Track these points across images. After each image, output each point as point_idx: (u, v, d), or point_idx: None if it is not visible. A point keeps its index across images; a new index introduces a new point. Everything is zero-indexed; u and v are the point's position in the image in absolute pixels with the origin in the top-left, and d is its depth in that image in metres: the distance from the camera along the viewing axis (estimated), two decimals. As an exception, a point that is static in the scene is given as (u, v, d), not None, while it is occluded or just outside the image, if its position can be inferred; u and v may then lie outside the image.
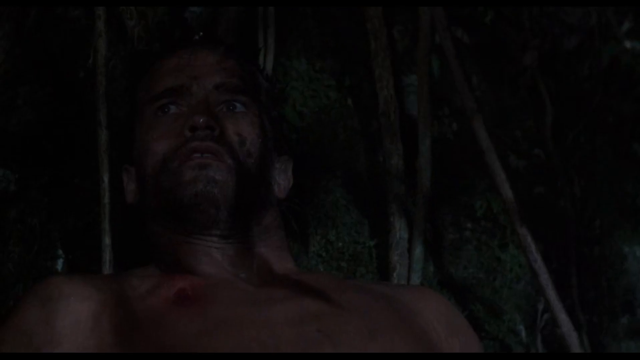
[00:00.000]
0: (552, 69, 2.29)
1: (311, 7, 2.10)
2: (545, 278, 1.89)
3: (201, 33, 1.66)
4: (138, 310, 1.30)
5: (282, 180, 1.53)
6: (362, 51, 2.08)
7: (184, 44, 1.57)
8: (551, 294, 1.88)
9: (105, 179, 1.71)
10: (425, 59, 2.09)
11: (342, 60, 2.08)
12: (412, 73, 2.12)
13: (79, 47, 1.89)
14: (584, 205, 2.23)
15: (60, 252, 1.74)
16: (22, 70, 1.84)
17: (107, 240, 1.69)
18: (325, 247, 1.91)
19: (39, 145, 1.80)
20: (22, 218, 1.74)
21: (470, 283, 2.02)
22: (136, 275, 1.41)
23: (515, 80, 2.26)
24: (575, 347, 1.87)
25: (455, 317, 1.49)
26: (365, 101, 2.07)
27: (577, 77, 2.32)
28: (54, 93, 1.85)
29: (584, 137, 2.28)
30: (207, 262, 1.41)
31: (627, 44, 2.31)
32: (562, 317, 1.88)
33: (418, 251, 1.93)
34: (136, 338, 1.26)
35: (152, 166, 1.43)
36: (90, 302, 1.31)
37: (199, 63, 1.51)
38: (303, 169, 1.76)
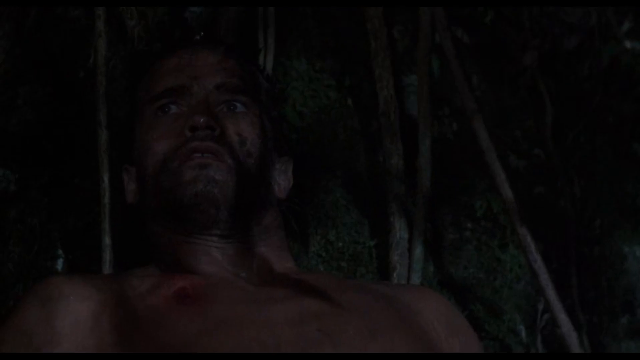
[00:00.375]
0: (552, 69, 2.29)
1: (311, 7, 2.10)
2: (545, 278, 1.89)
3: (202, 33, 1.66)
4: (138, 310, 1.30)
5: (282, 180, 1.53)
6: (362, 51, 2.08)
7: (184, 44, 1.57)
8: (551, 294, 1.88)
9: (105, 179, 1.71)
10: (425, 59, 2.09)
11: (342, 60, 2.08)
12: (412, 73, 2.12)
13: (79, 47, 1.89)
14: (584, 205, 2.23)
15: (60, 252, 1.74)
16: (22, 70, 1.84)
17: (107, 240, 1.69)
18: (325, 247, 1.91)
19: (39, 145, 1.80)
20: (22, 218, 1.74)
21: (470, 283, 2.02)
22: (136, 275, 1.41)
23: (515, 80, 2.26)
24: (575, 347, 1.87)
25: (455, 317, 1.49)
26: (365, 101, 2.07)
27: (577, 77, 2.32)
28: (54, 93, 1.85)
29: (584, 137, 2.28)
30: (207, 261, 1.41)
31: (627, 44, 2.31)
32: (562, 317, 1.88)
33: (418, 251, 1.93)
34: (136, 337, 1.26)
35: (152, 166, 1.43)
36: (90, 302, 1.31)
37: (199, 63, 1.51)
38: (303, 169, 1.76)
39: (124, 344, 1.26)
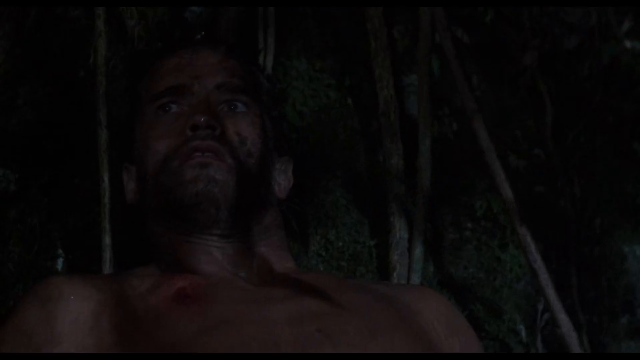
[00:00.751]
0: (552, 69, 2.29)
1: (311, 7, 2.10)
2: (545, 278, 1.89)
3: (202, 32, 1.66)
4: (138, 310, 1.30)
5: (282, 180, 1.53)
6: (362, 51, 2.08)
7: (185, 44, 1.57)
8: (551, 293, 1.88)
9: (105, 178, 1.71)
10: (425, 59, 2.09)
11: (342, 60, 2.09)
12: (412, 73, 2.12)
13: (79, 47, 1.89)
14: (584, 205, 2.23)
15: (60, 251, 1.74)
16: (22, 70, 1.84)
17: (107, 239, 1.69)
18: (325, 246, 1.91)
19: (39, 145, 1.80)
20: (22, 218, 1.74)
21: (470, 283, 2.02)
22: (136, 274, 1.41)
23: (515, 80, 2.26)
24: (575, 347, 1.87)
25: (455, 317, 1.49)
26: (365, 101, 2.07)
27: (577, 77, 2.32)
28: (54, 93, 1.85)
29: (584, 137, 2.28)
30: (207, 261, 1.41)
31: (627, 44, 2.31)
32: (562, 317, 1.88)
33: (418, 251, 1.93)
34: (136, 337, 1.26)
35: (152, 165, 1.43)
36: (90, 301, 1.31)
37: (200, 63, 1.51)
38: (303, 169, 1.76)
39: (124, 344, 1.26)
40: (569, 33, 2.30)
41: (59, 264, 1.73)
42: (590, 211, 2.23)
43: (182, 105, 1.46)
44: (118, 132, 1.73)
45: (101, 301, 1.31)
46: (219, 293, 1.34)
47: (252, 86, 1.53)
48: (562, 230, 2.18)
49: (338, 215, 1.95)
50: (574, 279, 2.15)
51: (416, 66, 2.10)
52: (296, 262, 1.54)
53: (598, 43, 2.29)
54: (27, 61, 1.85)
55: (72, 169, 1.80)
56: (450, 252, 2.04)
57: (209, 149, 1.39)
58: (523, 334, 2.03)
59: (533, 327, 2.05)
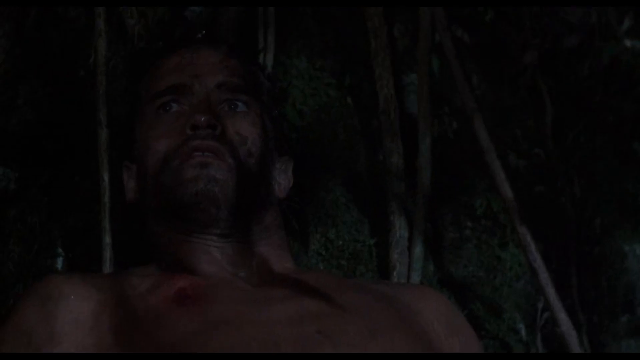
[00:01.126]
0: (553, 68, 2.29)
1: (311, 6, 2.10)
2: (544, 277, 1.89)
3: (203, 32, 1.66)
4: (138, 310, 1.30)
5: (282, 179, 1.52)
6: (362, 50, 2.08)
7: (185, 43, 1.56)
8: (551, 292, 1.89)
9: (105, 177, 1.71)
10: (426, 58, 2.09)
11: (342, 59, 2.09)
12: (412, 72, 2.12)
13: (79, 47, 1.89)
14: (584, 204, 2.23)
15: (60, 250, 1.74)
16: (22, 70, 1.84)
17: (107, 239, 1.69)
18: (325, 245, 1.91)
19: (39, 145, 1.80)
20: (22, 217, 1.74)
21: (470, 282, 2.02)
22: (136, 274, 1.41)
23: (515, 80, 2.26)
24: (574, 346, 1.87)
25: (455, 316, 1.48)
26: (365, 100, 2.07)
27: (577, 76, 2.32)
28: (54, 93, 1.85)
29: (584, 137, 2.28)
30: (207, 260, 1.40)
31: (627, 43, 2.31)
32: (562, 316, 1.88)
33: (418, 250, 1.93)
34: (136, 337, 1.26)
35: (153, 165, 1.43)
36: (90, 301, 1.31)
37: (201, 62, 1.51)
38: (303, 168, 1.76)
39: (124, 343, 1.26)
40: (569, 32, 2.30)
41: (59, 263, 1.73)
42: (590, 211, 2.23)
43: (183, 105, 1.46)
44: (118, 132, 1.73)
45: (101, 301, 1.31)
46: (218, 293, 1.33)
47: (252, 86, 1.52)
48: (562, 230, 2.18)
49: (338, 214, 1.95)
50: (574, 279, 2.15)
51: (416, 65, 2.10)
52: (296, 261, 1.54)
53: (598, 42, 2.29)
54: (27, 61, 1.85)
55: (72, 168, 1.80)
56: (450, 251, 2.04)
57: (209, 148, 1.39)
58: (523, 332, 2.04)
59: (533, 326, 2.05)
